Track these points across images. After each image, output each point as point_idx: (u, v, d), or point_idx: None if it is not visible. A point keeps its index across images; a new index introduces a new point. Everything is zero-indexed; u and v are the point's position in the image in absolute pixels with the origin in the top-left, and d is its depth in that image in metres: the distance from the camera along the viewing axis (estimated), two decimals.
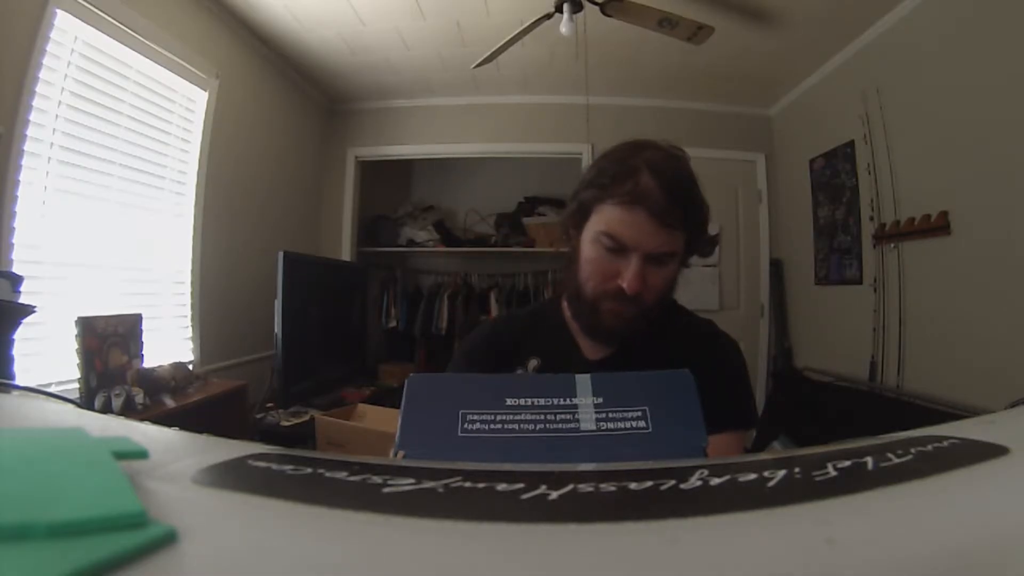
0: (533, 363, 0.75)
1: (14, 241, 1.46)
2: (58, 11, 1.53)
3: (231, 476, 0.23)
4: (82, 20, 1.62)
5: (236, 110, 2.46)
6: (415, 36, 2.54)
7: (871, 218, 2.39)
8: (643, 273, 0.66)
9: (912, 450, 0.23)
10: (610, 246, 0.67)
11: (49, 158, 1.56)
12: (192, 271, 2.24)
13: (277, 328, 2.14)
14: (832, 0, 2.14)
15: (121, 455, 0.21)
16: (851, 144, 2.52)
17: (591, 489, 0.21)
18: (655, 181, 0.65)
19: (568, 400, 0.34)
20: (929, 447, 0.23)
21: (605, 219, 0.67)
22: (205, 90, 2.24)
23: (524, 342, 0.78)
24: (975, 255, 1.85)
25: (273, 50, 2.69)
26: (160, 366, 1.85)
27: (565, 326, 0.78)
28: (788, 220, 3.18)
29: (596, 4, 1.98)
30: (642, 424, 0.33)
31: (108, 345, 1.66)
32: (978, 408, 1.53)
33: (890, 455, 0.22)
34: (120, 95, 1.82)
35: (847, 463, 0.22)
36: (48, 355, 1.55)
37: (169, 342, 2.12)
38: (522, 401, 0.34)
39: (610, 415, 0.33)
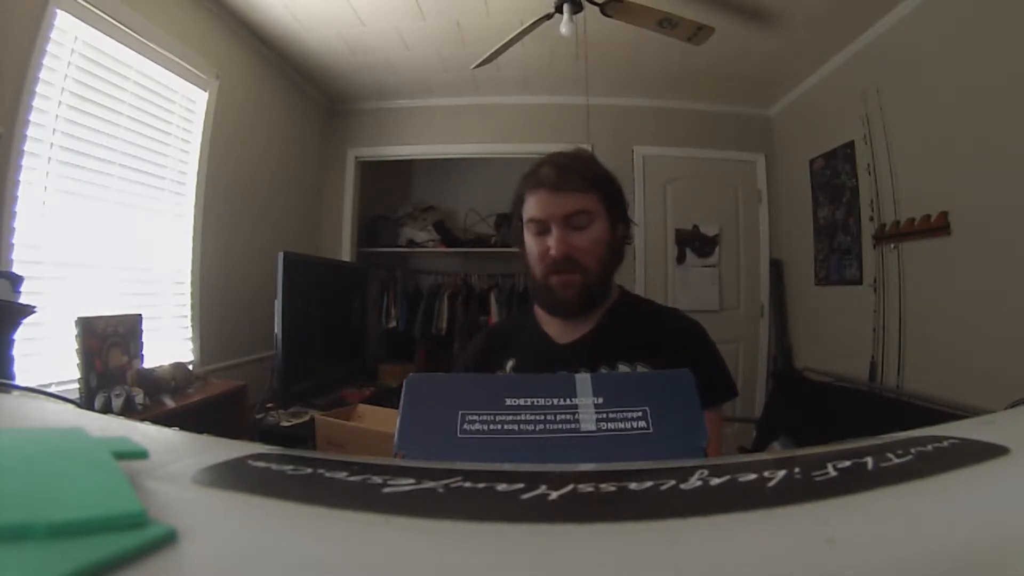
0: (510, 364, 0.85)
1: (14, 241, 1.46)
2: (58, 11, 1.53)
3: (231, 476, 0.23)
4: (82, 20, 1.62)
5: (236, 110, 2.46)
6: (415, 36, 2.54)
7: (871, 218, 2.39)
8: (565, 237, 0.79)
9: (912, 450, 0.23)
10: (536, 230, 0.81)
11: (49, 158, 1.56)
12: (192, 271, 2.24)
13: (277, 328, 2.14)
14: (832, 0, 2.14)
15: (121, 455, 0.21)
16: (851, 144, 2.52)
17: (591, 489, 0.21)
18: (549, 167, 0.81)
19: (568, 400, 0.34)
20: (929, 447, 0.23)
21: (526, 212, 0.83)
22: (205, 90, 2.24)
23: (504, 347, 0.88)
24: (975, 255, 1.85)
25: (273, 50, 2.69)
26: (160, 366, 1.85)
27: (536, 322, 0.89)
28: (788, 220, 3.18)
29: (596, 4, 1.97)
30: (642, 424, 0.33)
31: (108, 345, 1.66)
32: (978, 408, 1.53)
33: (890, 455, 0.22)
34: (120, 95, 1.82)
35: (847, 463, 0.22)
36: (48, 355, 1.55)
37: (169, 342, 2.11)
38: (522, 401, 0.34)
39: (610, 415, 0.33)
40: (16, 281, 1.15)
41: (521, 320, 0.93)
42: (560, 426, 0.33)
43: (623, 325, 0.83)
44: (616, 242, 0.85)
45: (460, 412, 0.34)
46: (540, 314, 0.89)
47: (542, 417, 0.33)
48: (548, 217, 0.79)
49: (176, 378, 1.85)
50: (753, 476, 0.21)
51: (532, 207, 0.81)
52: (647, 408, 0.34)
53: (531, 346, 0.86)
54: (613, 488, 0.21)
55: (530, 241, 0.82)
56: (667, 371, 0.37)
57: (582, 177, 0.80)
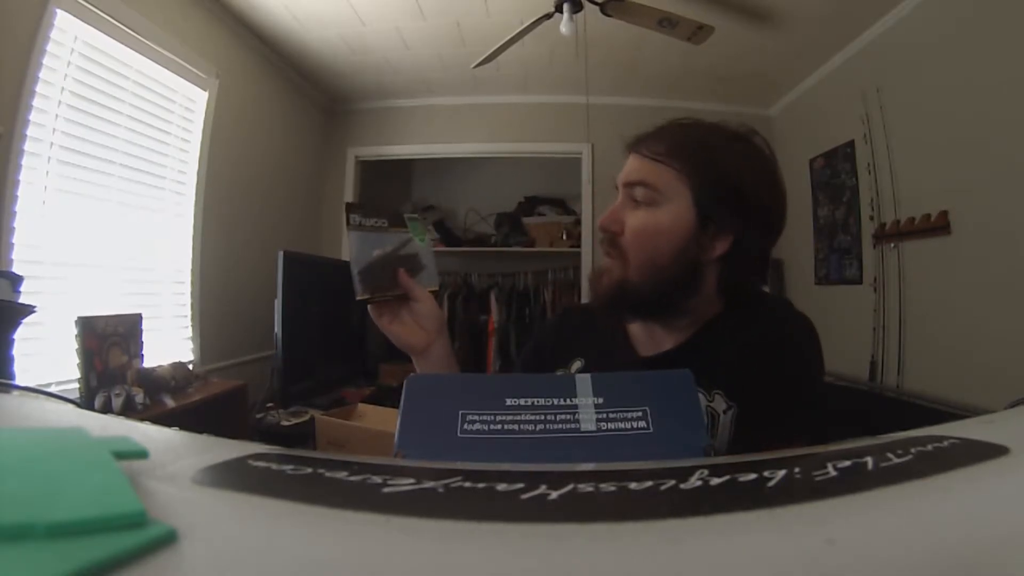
0: (577, 364, 0.70)
1: (14, 241, 1.46)
2: (58, 11, 1.53)
3: (231, 476, 0.23)
4: (82, 20, 1.62)
5: (236, 110, 2.45)
6: (415, 36, 2.54)
7: (871, 218, 2.38)
8: (617, 208, 0.63)
9: (912, 450, 0.23)
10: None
11: (49, 158, 1.56)
12: (192, 271, 2.24)
13: (277, 328, 2.14)
14: (832, 0, 2.14)
15: (121, 455, 0.21)
16: (851, 144, 2.52)
17: (591, 489, 0.21)
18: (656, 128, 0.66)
19: (568, 400, 0.34)
20: (929, 447, 0.23)
21: None
22: (205, 90, 2.24)
23: (576, 339, 0.74)
24: (975, 255, 1.84)
25: (273, 50, 2.69)
26: (160, 366, 1.84)
27: (619, 322, 0.72)
28: (788, 220, 3.17)
29: (596, 4, 1.97)
30: (643, 424, 0.33)
31: (108, 345, 1.66)
32: (978, 408, 1.53)
33: (890, 455, 0.22)
34: (120, 95, 1.82)
35: (847, 463, 0.22)
36: (48, 355, 1.55)
37: (169, 342, 2.11)
38: (522, 401, 0.34)
39: (610, 415, 0.33)
40: (16, 281, 1.15)
41: None
42: (560, 426, 0.33)
43: (715, 343, 0.63)
44: (699, 253, 0.60)
45: (460, 412, 0.34)
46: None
47: (542, 417, 0.33)
48: (618, 183, 0.65)
49: (176, 378, 1.85)
50: (753, 476, 0.21)
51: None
52: (647, 408, 0.34)
53: (606, 350, 0.70)
54: (613, 488, 0.21)
55: None
56: (667, 371, 0.37)
57: (670, 142, 0.61)
